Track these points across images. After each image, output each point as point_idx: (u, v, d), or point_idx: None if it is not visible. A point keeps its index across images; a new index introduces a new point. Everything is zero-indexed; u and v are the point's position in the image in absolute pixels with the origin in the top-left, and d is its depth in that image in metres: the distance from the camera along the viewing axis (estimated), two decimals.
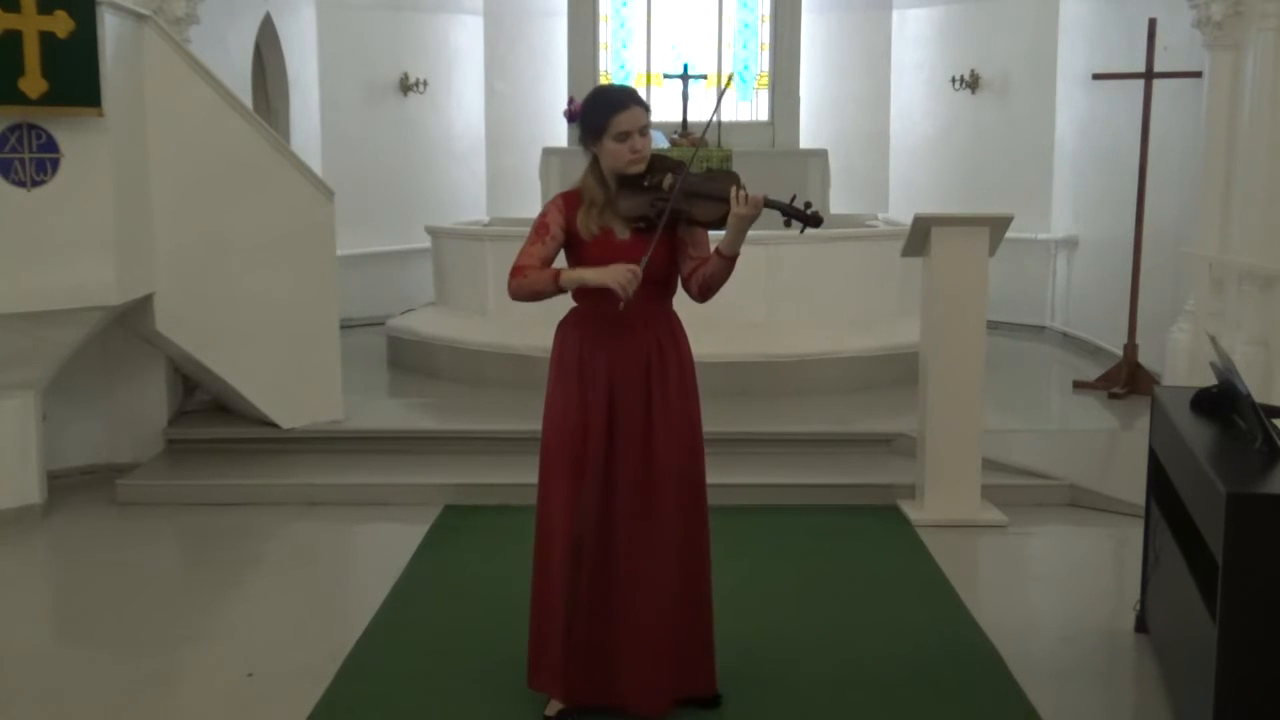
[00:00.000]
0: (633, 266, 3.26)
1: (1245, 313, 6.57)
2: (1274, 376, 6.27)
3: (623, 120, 3.33)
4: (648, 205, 3.36)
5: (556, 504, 3.46)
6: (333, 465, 6.15)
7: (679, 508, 3.47)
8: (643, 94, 3.57)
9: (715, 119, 3.78)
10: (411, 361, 8.04)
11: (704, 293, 3.45)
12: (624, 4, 10.86)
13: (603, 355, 3.42)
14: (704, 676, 3.62)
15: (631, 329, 3.41)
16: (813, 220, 3.32)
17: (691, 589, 3.53)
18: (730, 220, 3.29)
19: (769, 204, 3.30)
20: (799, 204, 3.33)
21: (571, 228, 3.42)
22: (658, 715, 3.50)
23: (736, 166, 5.97)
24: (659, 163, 3.41)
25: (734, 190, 3.28)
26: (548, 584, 3.49)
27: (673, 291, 3.51)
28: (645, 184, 3.38)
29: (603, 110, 3.37)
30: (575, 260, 3.45)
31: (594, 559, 3.44)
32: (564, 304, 3.56)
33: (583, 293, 3.43)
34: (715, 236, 3.44)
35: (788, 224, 3.35)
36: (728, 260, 3.36)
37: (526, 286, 3.38)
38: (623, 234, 3.40)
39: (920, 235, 5.47)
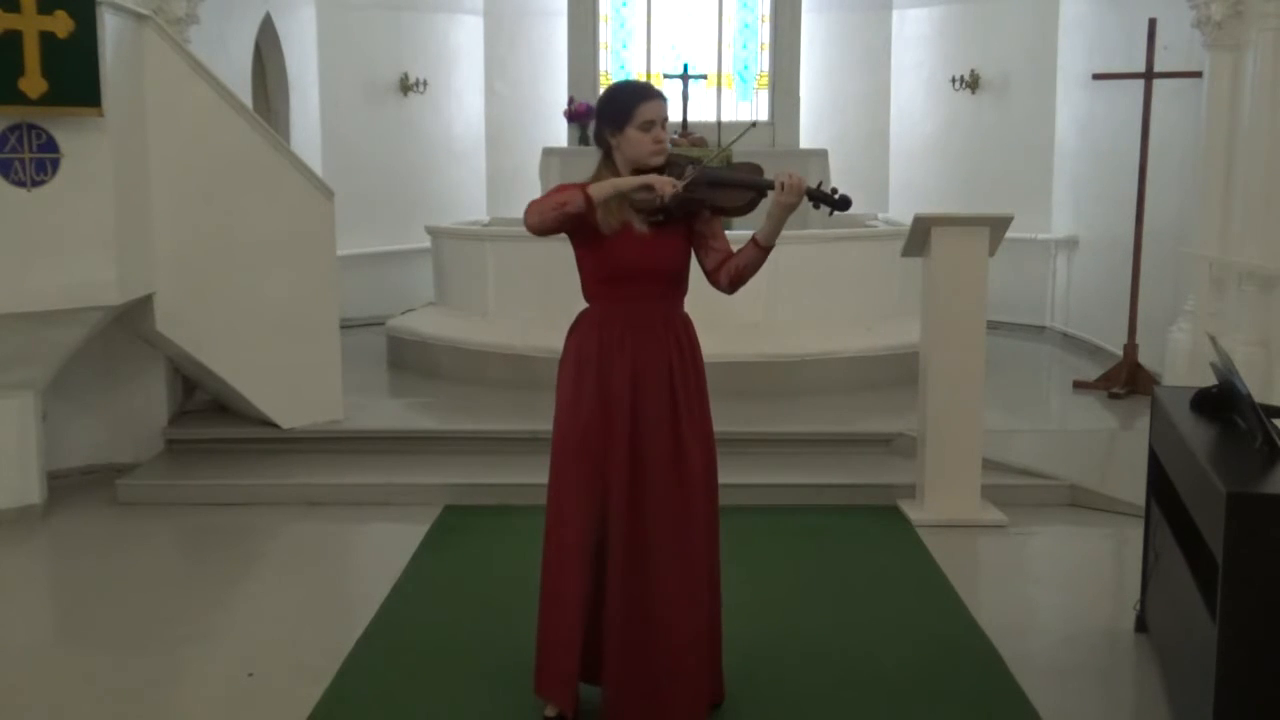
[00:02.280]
0: (672, 179, 3.26)
1: (1245, 313, 6.57)
2: (1274, 376, 6.28)
3: (649, 109, 3.33)
4: (668, 196, 3.35)
5: (571, 503, 3.39)
6: (333, 465, 6.15)
7: (703, 507, 3.42)
8: None
9: (729, 138, 3.81)
10: (411, 361, 8.04)
11: (734, 284, 3.45)
12: (624, 4, 10.85)
13: (625, 355, 3.38)
14: (719, 683, 3.60)
15: (652, 329, 3.39)
16: (841, 203, 3.32)
17: (713, 593, 3.51)
18: (772, 209, 3.30)
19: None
20: (826, 189, 3.34)
21: (589, 216, 3.33)
22: None
23: None
24: (675, 158, 3.40)
25: (778, 179, 3.27)
26: (561, 588, 3.41)
27: (686, 290, 3.49)
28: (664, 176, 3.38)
29: (629, 98, 3.36)
30: (593, 255, 3.39)
31: (625, 564, 3.35)
32: (571, 304, 3.54)
33: (600, 291, 3.41)
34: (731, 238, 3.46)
35: (816, 207, 3.36)
36: (763, 251, 3.36)
37: (550, 205, 3.24)
38: (641, 228, 3.37)
39: (920, 235, 5.47)
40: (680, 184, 3.27)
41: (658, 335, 3.40)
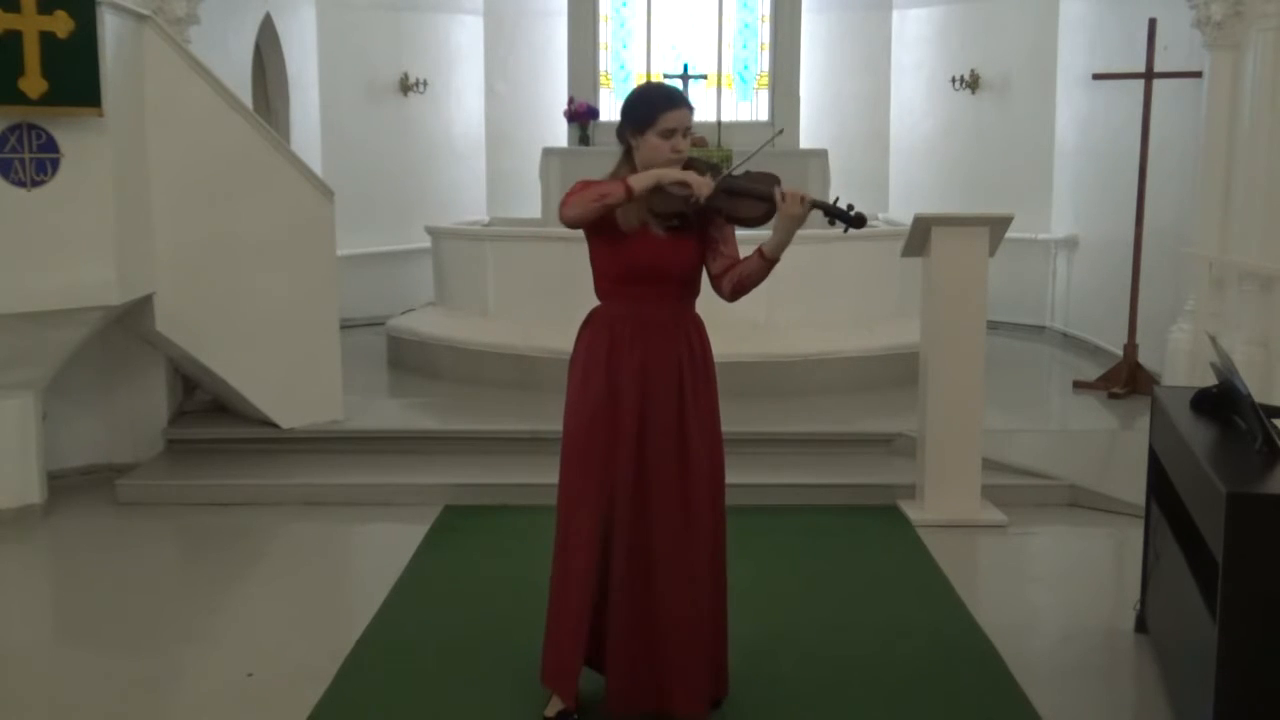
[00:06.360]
0: (708, 179, 3.25)
1: (1245, 313, 6.57)
2: (1274, 376, 6.28)
3: (672, 118, 3.32)
4: (684, 203, 3.34)
5: (579, 498, 3.41)
6: (333, 465, 6.15)
7: (708, 506, 3.45)
8: None
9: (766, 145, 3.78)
10: (411, 361, 8.04)
11: (736, 292, 3.44)
12: (624, 4, 10.85)
13: (635, 354, 3.39)
14: (724, 678, 3.62)
15: (663, 328, 3.40)
16: (856, 221, 3.32)
17: (717, 589, 3.53)
18: (780, 222, 3.28)
19: (813, 204, 3.30)
20: (842, 205, 3.33)
21: (610, 213, 3.34)
22: (702, 717, 3.47)
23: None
24: (694, 164, 3.39)
25: (779, 191, 3.27)
26: (568, 581, 3.43)
27: (698, 292, 3.50)
28: None
29: (654, 104, 3.35)
30: (609, 252, 3.39)
31: (630, 562, 3.38)
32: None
33: (613, 290, 3.42)
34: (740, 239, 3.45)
35: (831, 223, 3.36)
36: (769, 262, 3.35)
37: (591, 197, 3.24)
38: (658, 231, 3.37)
39: (920, 235, 5.47)
40: (714, 184, 3.24)
41: (668, 334, 3.41)
